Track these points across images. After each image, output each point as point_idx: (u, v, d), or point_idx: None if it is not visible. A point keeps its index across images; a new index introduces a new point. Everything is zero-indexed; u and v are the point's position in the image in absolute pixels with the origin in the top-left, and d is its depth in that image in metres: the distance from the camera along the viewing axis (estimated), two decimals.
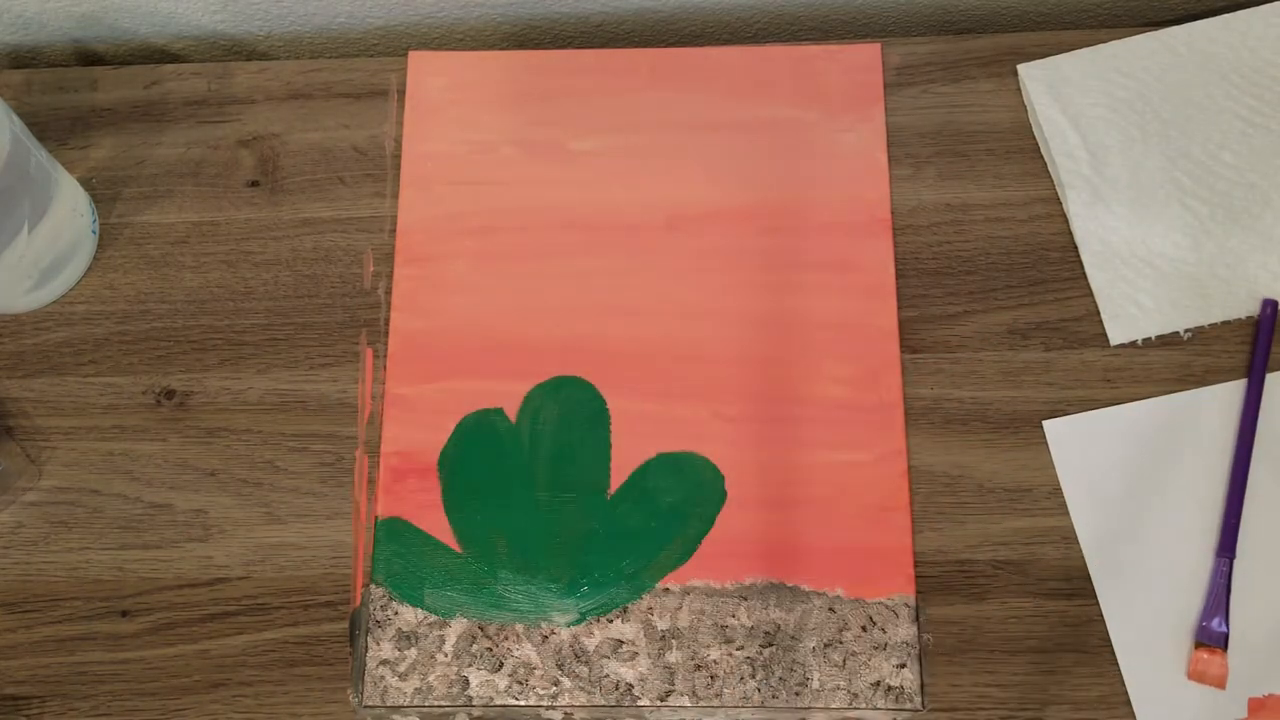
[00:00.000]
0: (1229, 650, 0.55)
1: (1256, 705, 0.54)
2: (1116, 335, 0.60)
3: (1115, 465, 0.58)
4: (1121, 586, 0.56)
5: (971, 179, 0.64)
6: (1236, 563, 0.56)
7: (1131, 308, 0.61)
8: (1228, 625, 0.55)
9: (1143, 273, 0.61)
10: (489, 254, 0.63)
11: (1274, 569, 0.56)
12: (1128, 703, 0.55)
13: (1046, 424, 0.59)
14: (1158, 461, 0.58)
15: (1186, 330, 0.60)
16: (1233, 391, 0.59)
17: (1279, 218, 0.61)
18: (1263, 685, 0.55)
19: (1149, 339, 0.60)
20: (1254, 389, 0.59)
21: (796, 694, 0.55)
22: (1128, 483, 0.58)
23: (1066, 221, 0.63)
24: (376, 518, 0.59)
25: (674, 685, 0.56)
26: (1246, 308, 0.60)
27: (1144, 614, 0.56)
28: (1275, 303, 0.60)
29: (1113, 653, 0.56)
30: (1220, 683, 0.55)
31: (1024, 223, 0.63)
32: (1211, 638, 0.55)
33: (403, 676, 0.56)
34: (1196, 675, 0.55)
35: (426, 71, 0.67)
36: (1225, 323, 0.61)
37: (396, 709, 0.56)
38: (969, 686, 0.56)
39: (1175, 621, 0.56)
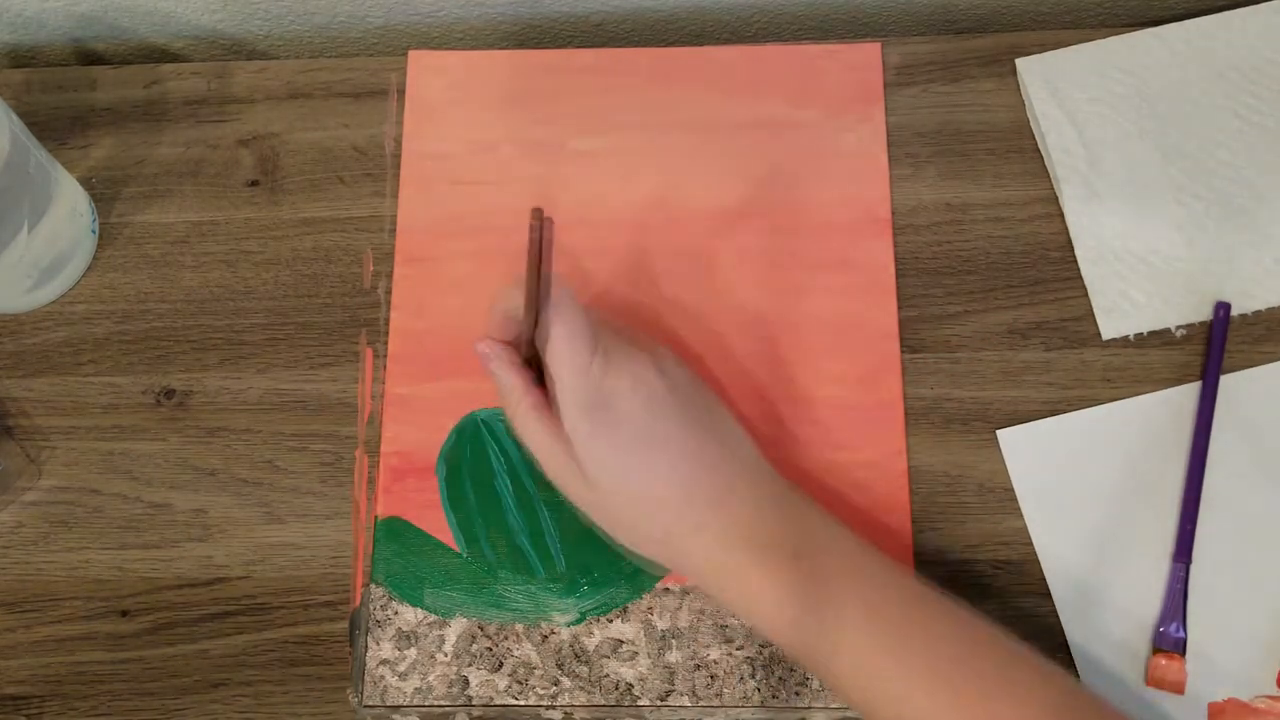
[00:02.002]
0: (1187, 656, 0.55)
1: (1216, 710, 0.54)
2: (1109, 330, 0.60)
3: (1071, 472, 0.58)
4: (1079, 593, 0.56)
5: (971, 179, 0.64)
6: (1193, 568, 0.56)
7: (1125, 303, 0.61)
8: (1185, 631, 0.55)
9: (1136, 269, 0.61)
10: (489, 254, 0.63)
11: (1231, 573, 0.56)
12: None
13: (1000, 433, 0.59)
14: (1114, 467, 0.58)
15: (1179, 327, 0.60)
16: (1188, 395, 0.59)
17: (1274, 215, 0.61)
18: (1221, 690, 0.54)
19: (1142, 335, 0.60)
20: (1208, 392, 0.58)
21: (796, 694, 0.55)
22: (1084, 490, 0.58)
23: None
24: (376, 518, 0.59)
25: (674, 685, 0.56)
26: (1241, 305, 0.60)
27: (1102, 621, 0.56)
28: (1228, 305, 0.60)
29: None
30: (1179, 688, 0.54)
31: (1024, 222, 0.63)
32: (1170, 643, 0.55)
33: (403, 676, 0.56)
34: (1155, 681, 0.54)
35: (426, 71, 0.67)
36: None
37: (396, 709, 0.56)
38: None
39: (1133, 628, 0.56)
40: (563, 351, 0.50)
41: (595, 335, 0.50)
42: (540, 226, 0.50)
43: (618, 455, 0.50)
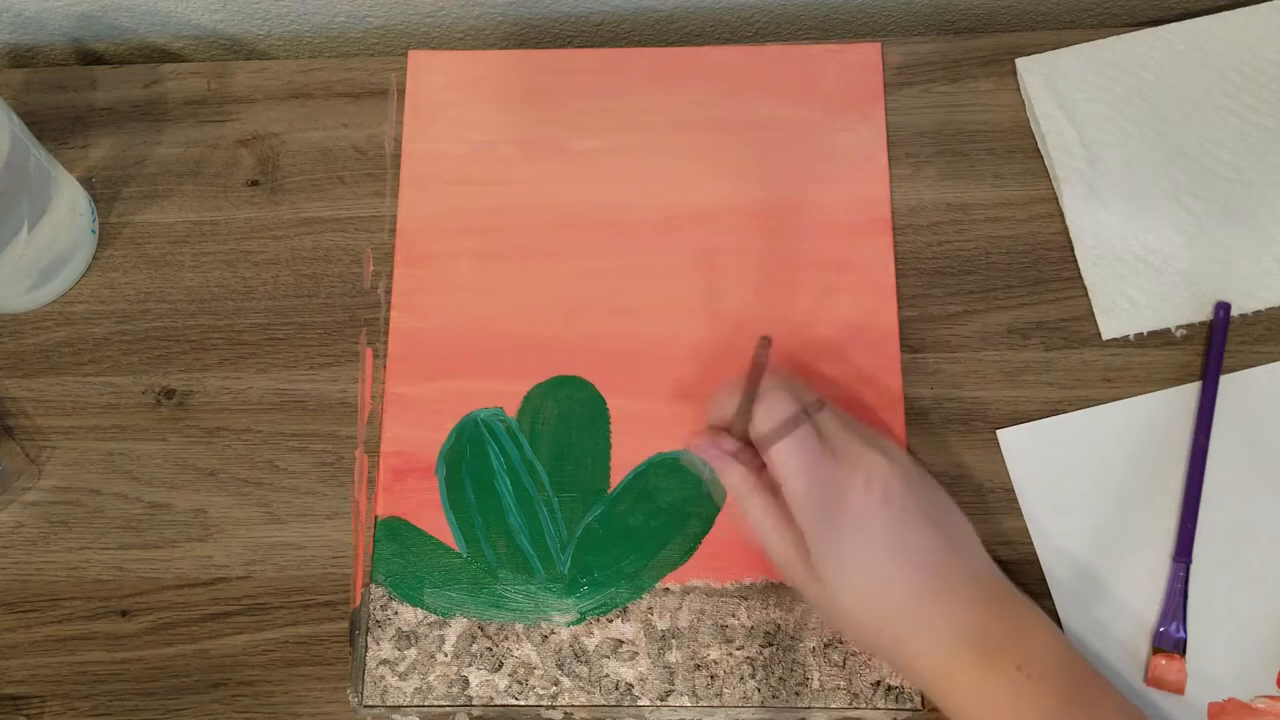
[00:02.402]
0: (1187, 655, 0.55)
1: (1216, 710, 0.54)
2: (1109, 330, 0.60)
3: (1071, 472, 0.58)
4: (1079, 593, 0.56)
5: (971, 179, 0.64)
6: (1194, 567, 0.56)
7: (1124, 303, 0.61)
8: (1186, 630, 0.55)
9: (1136, 269, 0.61)
10: (489, 254, 0.63)
11: (1231, 573, 0.56)
12: None
13: (1000, 433, 0.59)
14: (1114, 467, 0.58)
15: (1179, 327, 0.60)
16: (1188, 395, 0.59)
17: (1274, 215, 0.61)
18: (1222, 690, 0.54)
19: (1142, 335, 0.60)
20: (1208, 392, 0.58)
21: (796, 694, 0.55)
22: (1084, 490, 0.58)
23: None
24: (376, 517, 0.59)
25: (674, 685, 0.56)
26: (1241, 305, 0.60)
27: (1101, 621, 0.56)
28: (1228, 305, 0.60)
29: None
30: (1179, 688, 0.54)
31: (1024, 222, 0.63)
32: (1170, 643, 0.55)
33: (403, 676, 0.56)
34: (1155, 681, 0.54)
35: (426, 71, 0.67)
36: None
37: (396, 709, 0.56)
38: None
39: (1133, 627, 0.56)
40: (791, 454, 0.50)
41: (820, 435, 0.51)
42: (765, 352, 0.51)
43: (853, 554, 0.50)
